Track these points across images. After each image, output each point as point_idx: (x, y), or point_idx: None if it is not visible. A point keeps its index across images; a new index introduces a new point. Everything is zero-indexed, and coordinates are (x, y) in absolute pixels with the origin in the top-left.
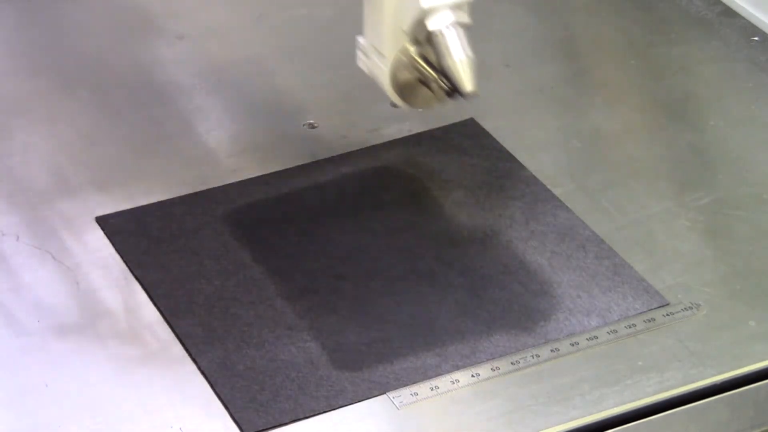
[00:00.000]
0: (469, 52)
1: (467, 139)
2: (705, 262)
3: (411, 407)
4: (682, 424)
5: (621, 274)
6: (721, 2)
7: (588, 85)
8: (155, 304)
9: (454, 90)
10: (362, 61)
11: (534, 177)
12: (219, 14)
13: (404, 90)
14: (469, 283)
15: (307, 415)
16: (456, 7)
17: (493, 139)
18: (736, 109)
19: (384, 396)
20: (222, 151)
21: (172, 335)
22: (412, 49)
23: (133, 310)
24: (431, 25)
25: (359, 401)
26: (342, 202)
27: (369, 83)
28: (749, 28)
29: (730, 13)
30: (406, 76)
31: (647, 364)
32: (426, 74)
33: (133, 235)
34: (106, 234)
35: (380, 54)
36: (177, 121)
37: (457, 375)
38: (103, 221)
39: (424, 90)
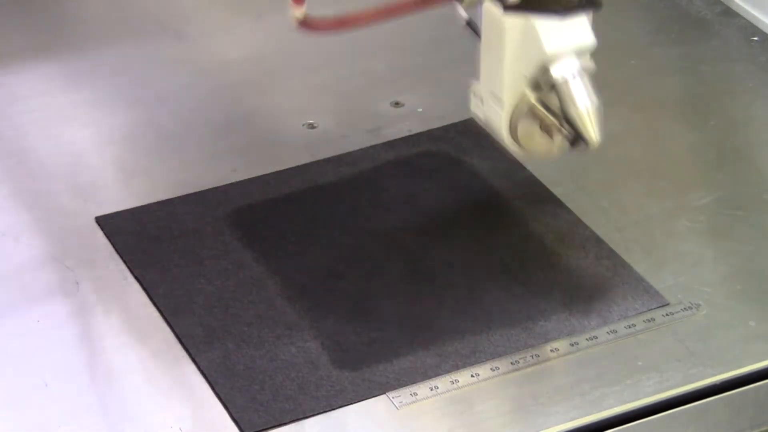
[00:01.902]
0: (594, 99)
1: (467, 139)
2: (705, 262)
3: (411, 407)
4: (682, 424)
5: (621, 274)
6: (721, 2)
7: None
8: (155, 304)
9: (577, 138)
10: (477, 107)
11: (534, 177)
12: (219, 14)
13: (522, 138)
14: (469, 283)
15: (307, 415)
16: (580, 53)
17: (493, 139)
18: (736, 109)
19: (384, 396)
20: (222, 151)
21: (172, 335)
22: (534, 96)
23: (133, 310)
24: (555, 72)
25: (359, 401)
26: (342, 202)
27: (369, 83)
28: (749, 28)
29: (730, 13)
30: (525, 123)
31: (647, 364)
32: (548, 122)
33: (133, 235)
34: (106, 234)
35: (498, 100)
36: (177, 121)
37: (456, 375)
38: (103, 221)
39: (544, 138)
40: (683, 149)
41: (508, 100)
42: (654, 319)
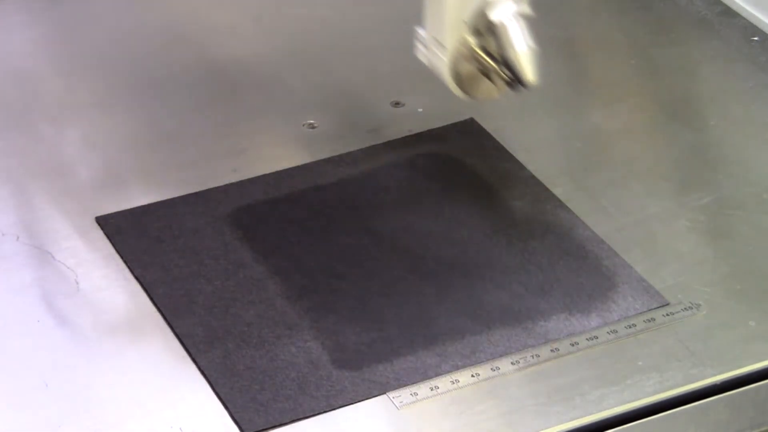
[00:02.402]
0: (531, 43)
1: (467, 139)
2: (705, 262)
3: (411, 407)
4: (682, 424)
5: (621, 274)
6: (721, 2)
7: (588, 85)
8: (155, 304)
9: (515, 80)
10: (422, 53)
11: (534, 177)
12: (219, 14)
13: (464, 81)
14: (469, 283)
15: (307, 415)
16: None
17: (493, 139)
18: (736, 109)
19: (384, 396)
20: (222, 151)
21: (172, 335)
22: (473, 41)
23: (133, 310)
24: (493, 16)
25: (359, 401)
26: (342, 202)
27: (369, 83)
28: (749, 28)
29: (730, 13)
30: (467, 67)
31: (647, 364)
32: (487, 65)
33: (133, 235)
34: (106, 234)
35: (441, 45)
36: (177, 121)
37: (457, 375)
38: (103, 221)
39: (485, 81)
40: (683, 149)
41: (450, 44)
42: (654, 319)
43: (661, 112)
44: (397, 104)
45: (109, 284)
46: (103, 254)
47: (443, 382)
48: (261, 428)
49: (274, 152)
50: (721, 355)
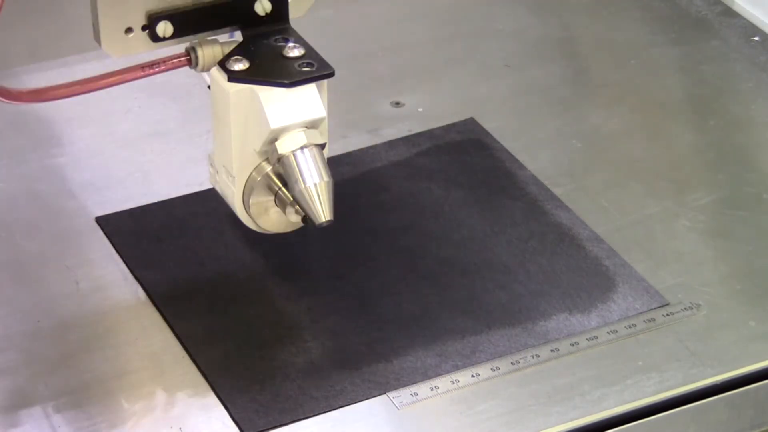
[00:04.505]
0: (325, 176)
1: (467, 139)
2: (705, 262)
3: (411, 407)
4: (682, 424)
5: (621, 274)
6: (721, 2)
7: (588, 85)
8: (155, 304)
9: (308, 216)
10: (212, 177)
11: (534, 177)
12: None
13: (258, 213)
14: (469, 283)
15: (307, 415)
16: (310, 126)
17: (493, 139)
18: (736, 109)
19: (384, 396)
20: None
21: (172, 335)
22: (269, 169)
23: (133, 310)
24: (282, 148)
25: (359, 401)
26: (342, 202)
27: (369, 83)
28: (749, 28)
29: (730, 13)
30: (260, 198)
31: (647, 364)
32: (282, 197)
33: (133, 235)
34: (106, 234)
35: (230, 173)
36: (177, 121)
37: (457, 375)
38: (103, 221)
39: (279, 212)
40: (683, 149)
41: (239, 174)
42: (654, 319)
43: (661, 112)
44: (397, 104)
45: (109, 284)
46: (103, 254)
47: (443, 382)
48: (261, 428)
49: None
50: (721, 355)
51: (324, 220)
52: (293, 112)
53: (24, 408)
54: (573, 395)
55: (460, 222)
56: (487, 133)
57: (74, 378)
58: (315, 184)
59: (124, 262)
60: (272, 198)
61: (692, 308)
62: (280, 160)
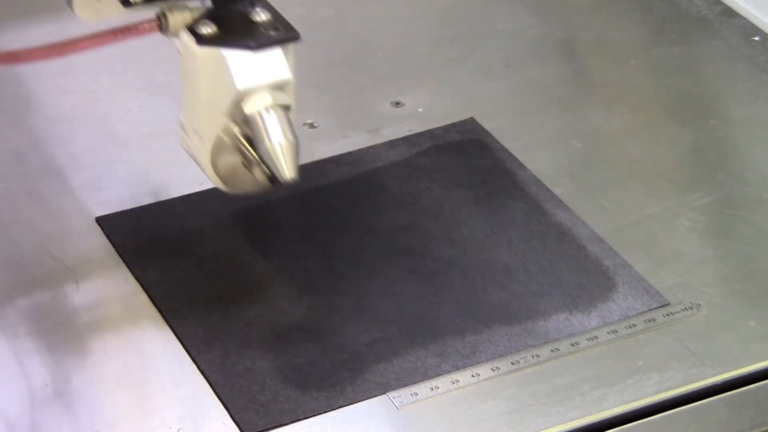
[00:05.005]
0: (290, 136)
1: (467, 139)
2: (705, 262)
3: (411, 407)
4: (682, 424)
5: (621, 274)
6: (721, 2)
7: (588, 85)
8: (155, 304)
9: (274, 176)
10: (183, 141)
11: (534, 177)
12: None
13: (227, 173)
14: (469, 283)
15: (307, 415)
16: (276, 88)
17: (493, 139)
18: (736, 109)
19: (384, 396)
20: None
21: (172, 335)
22: (236, 130)
23: (133, 310)
24: (248, 107)
25: (359, 401)
26: (342, 202)
27: (369, 83)
28: (749, 28)
29: (730, 13)
30: (228, 158)
31: (647, 364)
32: (250, 157)
33: (133, 235)
34: (106, 234)
35: (199, 135)
36: (177, 121)
37: (457, 375)
38: (103, 221)
39: (247, 173)
40: (683, 149)
41: (208, 135)
42: (654, 319)
43: (661, 112)
44: (397, 104)
45: (109, 284)
46: (103, 254)
47: (443, 382)
48: (261, 429)
49: None
50: (721, 355)
51: (288, 177)
52: (259, 73)
53: (25, 410)
54: (573, 395)
55: (460, 222)
56: (487, 133)
57: (74, 378)
58: (280, 144)
59: (124, 262)
60: (240, 159)
61: (692, 308)
62: (247, 120)
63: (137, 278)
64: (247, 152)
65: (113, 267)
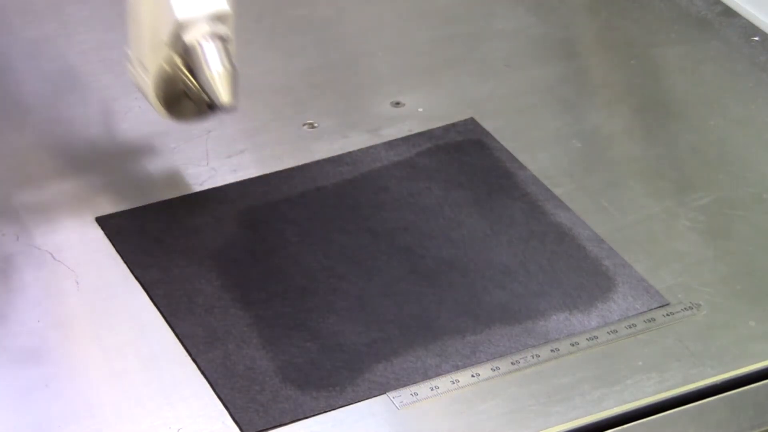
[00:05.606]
0: (228, 65)
1: (467, 139)
2: (705, 262)
3: (411, 407)
4: (682, 424)
5: (621, 274)
6: (721, 2)
7: (588, 85)
8: (155, 304)
9: (213, 103)
10: (130, 72)
11: (534, 177)
12: None
13: (170, 103)
14: (469, 283)
15: (307, 415)
16: (215, 19)
17: (493, 139)
18: (736, 109)
19: (384, 396)
20: (222, 151)
21: (172, 335)
22: (178, 60)
23: (133, 310)
24: (186, 37)
25: (359, 401)
26: (342, 202)
27: (369, 83)
28: (749, 28)
29: (730, 13)
30: (171, 88)
31: (647, 364)
32: (190, 86)
33: (133, 235)
34: (106, 234)
35: (143, 65)
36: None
37: (457, 375)
38: (103, 221)
39: (190, 103)
40: (683, 149)
41: (151, 65)
42: (654, 319)
43: (661, 112)
44: (397, 104)
45: (109, 284)
46: (103, 254)
47: (443, 382)
48: (261, 429)
49: (274, 152)
50: (721, 355)
51: (226, 101)
52: (199, 4)
53: (25, 411)
54: (573, 395)
55: (460, 222)
56: (487, 133)
57: (74, 378)
58: (218, 72)
59: (124, 262)
60: (182, 87)
61: (692, 308)
62: (187, 49)
63: (137, 278)
64: (188, 81)
65: (113, 267)
